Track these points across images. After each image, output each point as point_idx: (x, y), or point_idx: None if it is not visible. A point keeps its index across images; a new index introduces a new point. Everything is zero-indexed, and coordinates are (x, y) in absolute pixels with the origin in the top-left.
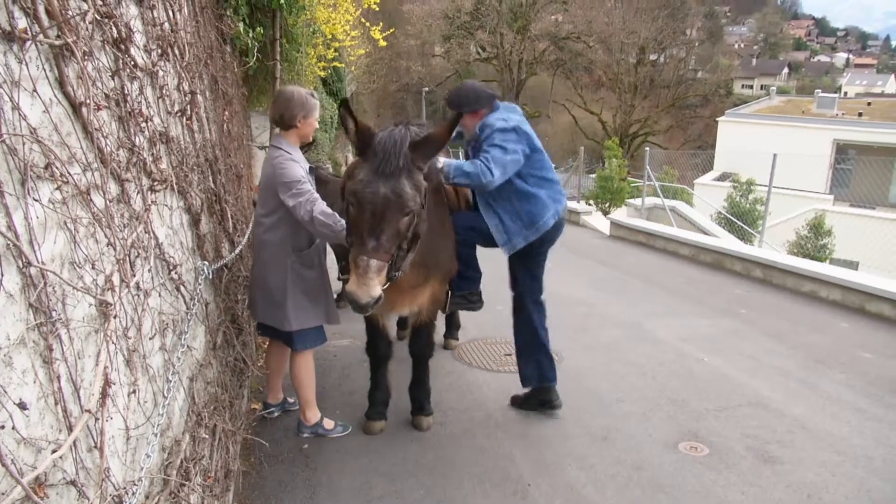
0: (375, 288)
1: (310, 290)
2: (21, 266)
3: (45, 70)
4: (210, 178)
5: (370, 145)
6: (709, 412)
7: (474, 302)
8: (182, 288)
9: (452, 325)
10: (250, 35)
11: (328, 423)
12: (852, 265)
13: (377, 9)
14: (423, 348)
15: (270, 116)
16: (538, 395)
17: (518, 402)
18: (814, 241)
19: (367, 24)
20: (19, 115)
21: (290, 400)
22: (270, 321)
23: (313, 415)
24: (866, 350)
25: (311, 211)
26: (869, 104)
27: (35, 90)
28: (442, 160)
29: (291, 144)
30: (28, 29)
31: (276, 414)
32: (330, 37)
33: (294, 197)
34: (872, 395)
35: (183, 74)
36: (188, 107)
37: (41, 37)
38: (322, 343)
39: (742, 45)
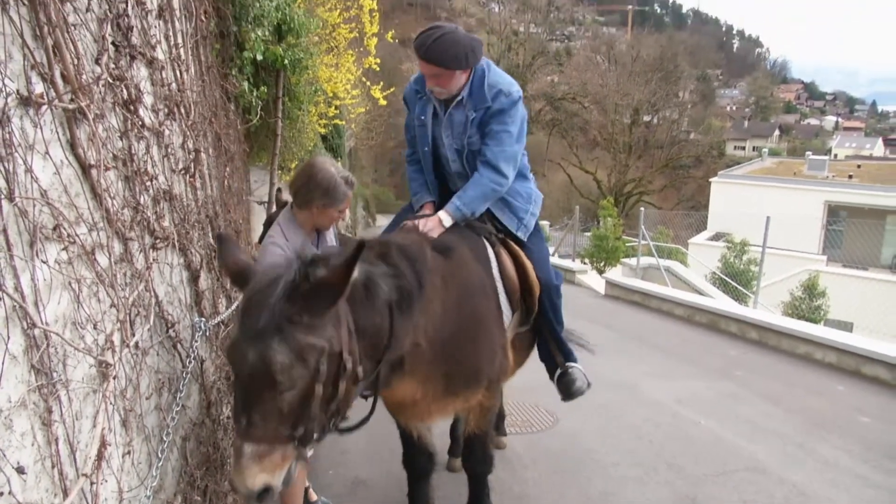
0: (254, 479)
1: None
2: (25, 327)
3: (58, 133)
4: (210, 234)
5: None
6: (707, 477)
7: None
8: (179, 346)
9: (498, 418)
10: (254, 94)
11: None
12: (846, 326)
13: (378, 69)
14: (477, 464)
15: (289, 184)
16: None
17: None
18: (808, 301)
19: (368, 83)
20: (31, 177)
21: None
22: None
23: None
24: (864, 414)
25: None
26: (859, 166)
27: (47, 152)
28: (448, 212)
29: (295, 224)
30: (45, 94)
31: None
32: (331, 95)
33: None
34: (871, 461)
35: (188, 133)
36: (192, 164)
37: (56, 101)
38: None
39: (734, 108)
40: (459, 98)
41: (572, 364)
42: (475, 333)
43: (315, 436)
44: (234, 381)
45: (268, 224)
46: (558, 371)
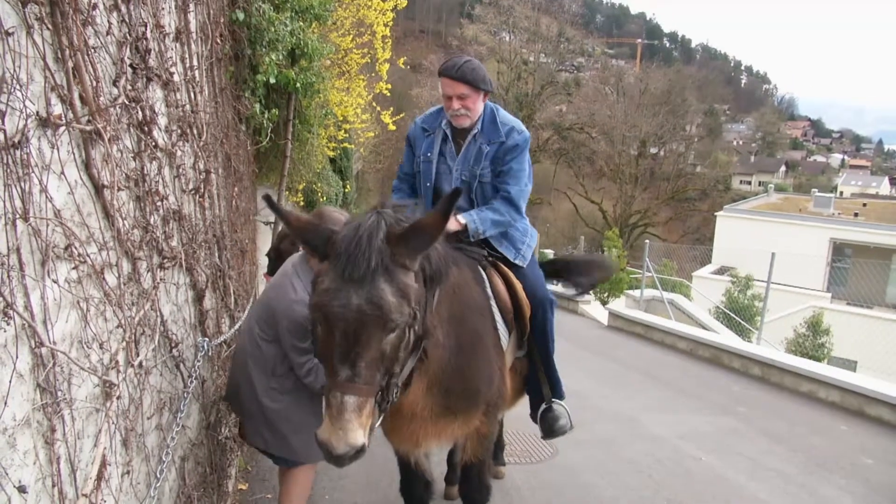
0: (355, 433)
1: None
2: (33, 346)
3: (74, 154)
4: (216, 254)
5: (331, 243)
6: None
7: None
8: (181, 365)
9: (497, 447)
10: (265, 116)
11: None
12: (850, 364)
13: (388, 94)
14: (473, 492)
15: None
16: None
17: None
18: (812, 339)
19: (378, 107)
20: (46, 197)
21: None
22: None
23: None
24: (867, 455)
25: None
26: (864, 205)
27: (63, 172)
28: (462, 217)
29: (310, 272)
30: (63, 115)
31: None
32: (341, 119)
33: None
34: None
35: (199, 153)
36: (202, 185)
37: (74, 123)
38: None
39: (741, 143)
40: (473, 132)
41: (558, 401)
42: (475, 351)
43: (396, 388)
44: (328, 333)
45: (273, 252)
46: (542, 406)
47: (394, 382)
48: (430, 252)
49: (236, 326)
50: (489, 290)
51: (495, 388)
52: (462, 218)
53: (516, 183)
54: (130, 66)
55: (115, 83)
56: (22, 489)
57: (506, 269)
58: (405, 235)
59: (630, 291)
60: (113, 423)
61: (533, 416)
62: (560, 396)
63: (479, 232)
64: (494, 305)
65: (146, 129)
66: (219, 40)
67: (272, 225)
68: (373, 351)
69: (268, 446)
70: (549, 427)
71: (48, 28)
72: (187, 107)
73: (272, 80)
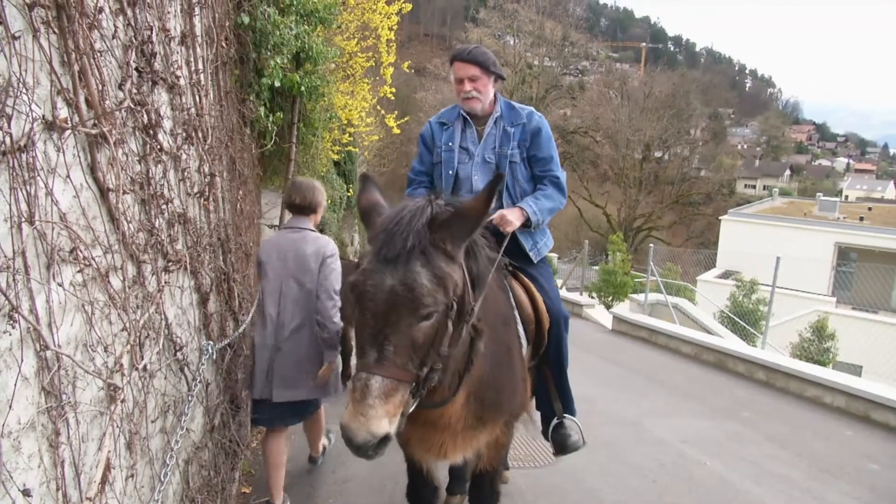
0: (379, 421)
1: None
2: (38, 349)
3: (79, 157)
4: (221, 258)
5: (374, 224)
6: None
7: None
8: (186, 369)
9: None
10: (270, 119)
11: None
12: (855, 369)
13: (392, 97)
14: (484, 499)
15: (297, 202)
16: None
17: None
18: (817, 343)
19: (383, 111)
20: (52, 200)
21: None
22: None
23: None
24: (872, 461)
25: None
26: (870, 209)
27: (68, 176)
28: (525, 207)
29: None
30: (69, 119)
31: None
32: (346, 122)
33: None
34: None
35: (204, 157)
36: (207, 188)
37: (80, 127)
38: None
39: (745, 147)
40: (495, 117)
41: (570, 417)
42: (506, 360)
43: (431, 382)
44: (361, 313)
45: None
46: (554, 421)
47: (431, 376)
48: (477, 248)
49: (241, 329)
50: (513, 300)
51: (518, 399)
52: (525, 208)
53: (558, 168)
54: (136, 69)
55: (120, 87)
56: (26, 492)
57: (527, 280)
58: (448, 221)
59: (634, 295)
60: (117, 426)
61: (544, 432)
62: (572, 412)
63: (539, 222)
64: (518, 315)
65: (151, 132)
66: (224, 44)
67: (276, 228)
68: (402, 336)
69: (312, 392)
70: (562, 443)
71: (54, 32)
72: (192, 110)
73: (277, 84)
